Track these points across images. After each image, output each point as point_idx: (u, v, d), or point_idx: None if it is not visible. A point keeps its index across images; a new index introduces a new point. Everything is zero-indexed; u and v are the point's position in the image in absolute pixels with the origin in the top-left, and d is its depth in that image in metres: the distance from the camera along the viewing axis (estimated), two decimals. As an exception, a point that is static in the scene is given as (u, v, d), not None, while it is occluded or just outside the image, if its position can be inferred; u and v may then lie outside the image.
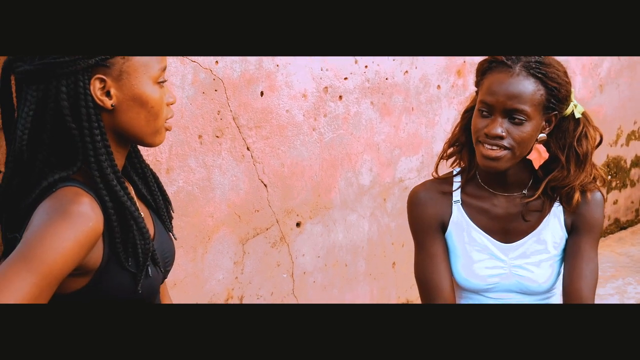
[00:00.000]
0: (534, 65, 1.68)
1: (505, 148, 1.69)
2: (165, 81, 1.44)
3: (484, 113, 1.71)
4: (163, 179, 2.46)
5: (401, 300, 3.55)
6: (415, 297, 3.58)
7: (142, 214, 1.55)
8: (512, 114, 1.68)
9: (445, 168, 1.90)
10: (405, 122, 3.32)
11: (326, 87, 2.93)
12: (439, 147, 3.51)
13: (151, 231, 1.57)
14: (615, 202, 5.13)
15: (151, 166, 2.39)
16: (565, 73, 1.74)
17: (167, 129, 1.47)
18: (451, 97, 3.50)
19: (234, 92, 2.61)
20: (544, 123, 1.73)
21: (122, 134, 1.42)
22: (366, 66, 3.06)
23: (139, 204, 1.57)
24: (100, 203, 1.36)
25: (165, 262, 1.58)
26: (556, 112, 1.73)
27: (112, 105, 1.37)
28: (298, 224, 2.97)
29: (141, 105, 1.39)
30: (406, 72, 3.24)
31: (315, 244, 3.06)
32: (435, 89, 3.41)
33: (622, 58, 4.76)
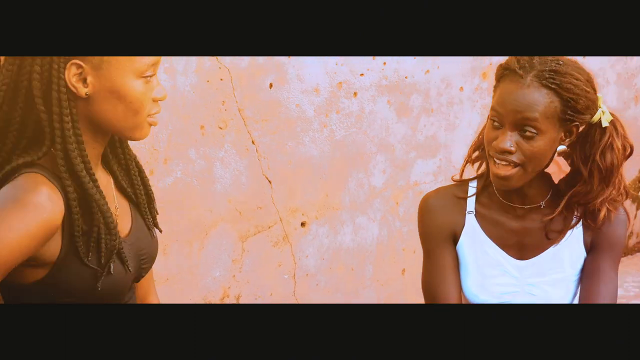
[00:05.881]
0: (547, 76, 1.55)
1: (515, 164, 1.58)
2: (152, 75, 1.35)
3: (495, 123, 1.60)
4: (160, 168, 2.37)
5: (409, 308, 3.42)
6: (424, 307, 3.45)
7: (116, 207, 1.48)
8: (522, 127, 1.56)
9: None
10: (424, 123, 3.17)
11: (340, 83, 2.80)
12: (458, 151, 3.36)
13: (127, 226, 1.50)
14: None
15: (148, 155, 2.32)
16: (588, 81, 1.60)
17: (151, 124, 1.39)
18: (474, 100, 3.35)
19: (241, 82, 2.49)
20: (562, 135, 1.61)
21: (98, 124, 1.35)
22: (384, 63, 2.92)
23: (118, 196, 1.50)
24: (63, 193, 1.30)
25: (140, 261, 1.50)
26: (577, 123, 1.60)
27: (86, 94, 1.30)
28: (303, 224, 2.85)
29: (118, 98, 1.32)
30: (427, 71, 3.09)
31: (321, 246, 2.94)
32: (457, 90, 3.26)
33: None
